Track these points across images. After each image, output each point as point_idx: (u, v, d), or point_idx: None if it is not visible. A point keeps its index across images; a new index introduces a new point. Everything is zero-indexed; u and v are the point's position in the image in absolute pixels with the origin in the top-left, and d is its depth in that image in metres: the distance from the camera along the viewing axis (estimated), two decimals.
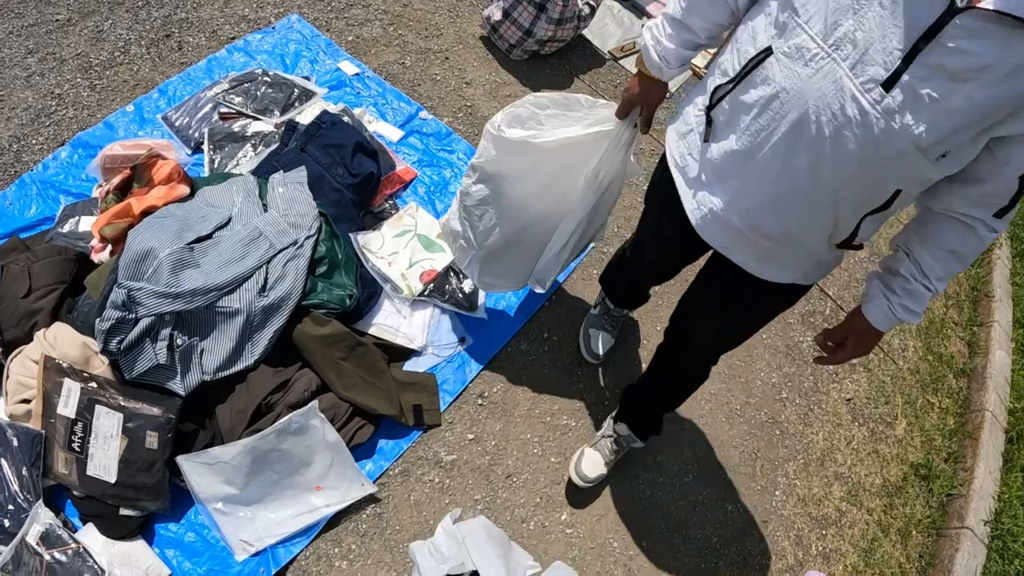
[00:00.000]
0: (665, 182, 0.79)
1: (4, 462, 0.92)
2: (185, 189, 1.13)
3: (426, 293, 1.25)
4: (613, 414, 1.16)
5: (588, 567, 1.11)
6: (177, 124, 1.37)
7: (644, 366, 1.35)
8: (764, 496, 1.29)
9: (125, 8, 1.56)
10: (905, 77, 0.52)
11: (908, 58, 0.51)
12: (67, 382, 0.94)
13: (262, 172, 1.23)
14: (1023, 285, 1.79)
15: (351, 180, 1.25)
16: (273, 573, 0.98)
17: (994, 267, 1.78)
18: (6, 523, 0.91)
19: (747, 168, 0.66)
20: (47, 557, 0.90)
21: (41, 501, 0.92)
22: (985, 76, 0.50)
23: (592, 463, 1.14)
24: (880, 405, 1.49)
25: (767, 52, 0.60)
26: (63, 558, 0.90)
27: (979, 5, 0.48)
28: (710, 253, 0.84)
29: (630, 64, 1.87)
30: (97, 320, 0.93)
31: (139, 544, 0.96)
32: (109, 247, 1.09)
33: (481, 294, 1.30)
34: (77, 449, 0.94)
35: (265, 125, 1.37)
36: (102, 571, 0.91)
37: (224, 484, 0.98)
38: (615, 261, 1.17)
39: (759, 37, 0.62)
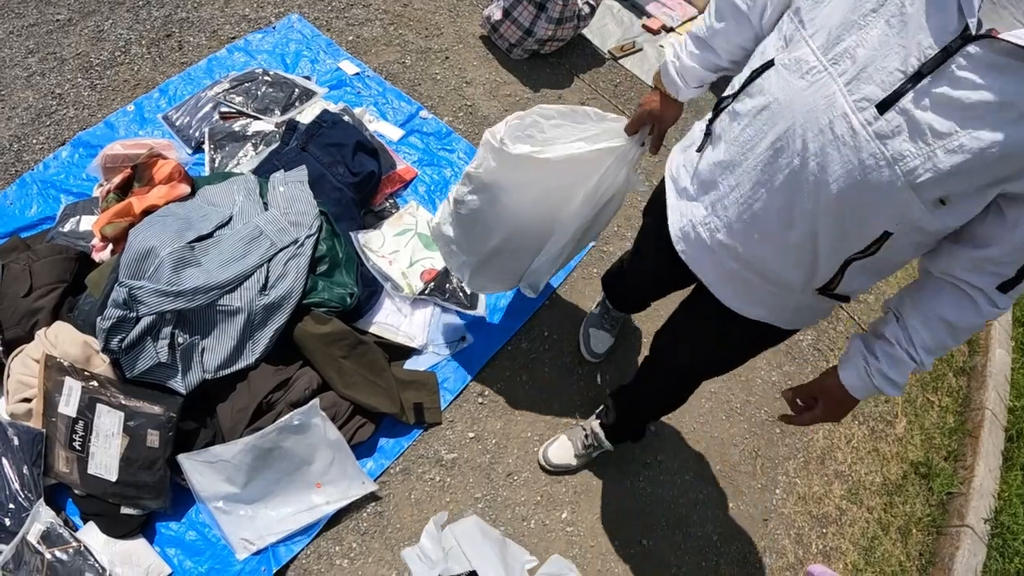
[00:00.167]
0: (661, 194, 0.77)
1: (5, 461, 0.92)
2: (186, 188, 1.13)
3: (427, 292, 1.25)
4: (598, 410, 1.16)
5: (589, 565, 1.11)
6: (178, 124, 1.38)
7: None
8: (764, 494, 1.29)
9: (126, 8, 1.57)
10: (904, 102, 0.48)
11: (911, 81, 0.47)
12: (68, 381, 0.95)
13: (263, 171, 1.23)
14: None
15: (352, 179, 1.25)
16: (274, 572, 0.98)
17: None
18: (7, 522, 0.91)
19: (728, 179, 0.62)
20: (48, 556, 0.90)
21: (42, 500, 0.92)
22: (998, 115, 0.45)
23: (561, 450, 1.14)
24: (880, 403, 1.49)
25: (769, 64, 0.57)
26: (64, 557, 0.90)
27: (1001, 36, 0.43)
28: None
29: (630, 64, 1.88)
30: (98, 319, 0.94)
31: (140, 543, 0.96)
32: (110, 246, 1.09)
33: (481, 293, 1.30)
34: (78, 448, 0.94)
35: (266, 124, 1.37)
36: (103, 570, 0.91)
37: (225, 482, 0.98)
38: (615, 268, 1.15)
39: (767, 52, 0.60)
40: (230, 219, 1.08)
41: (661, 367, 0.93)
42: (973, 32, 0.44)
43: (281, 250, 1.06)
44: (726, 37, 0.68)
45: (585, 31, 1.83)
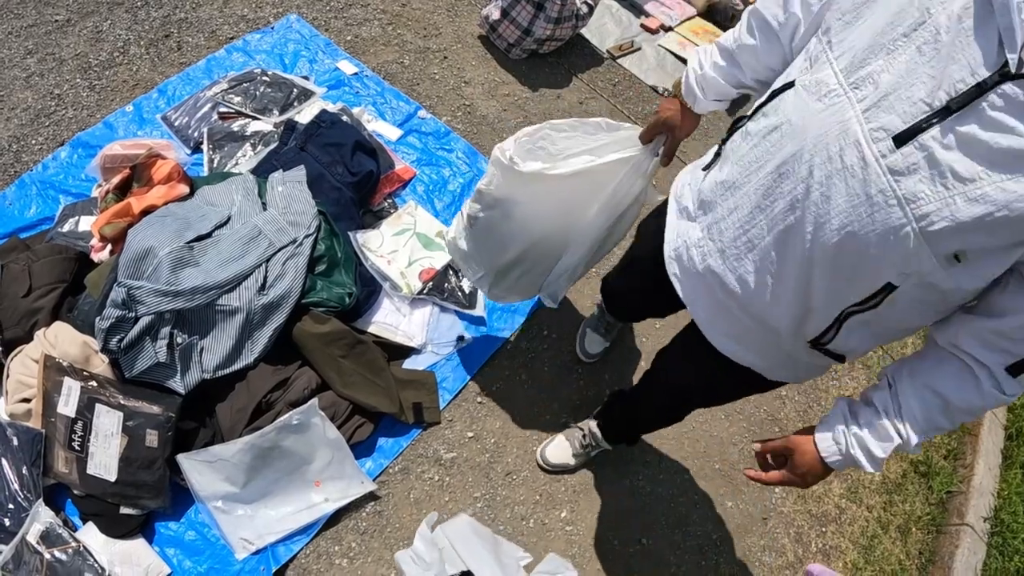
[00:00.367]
0: (660, 213, 0.74)
1: (4, 461, 0.93)
2: (185, 188, 1.13)
3: (425, 291, 1.25)
4: (596, 410, 1.15)
5: (588, 564, 1.11)
6: (176, 124, 1.38)
7: (643, 365, 1.35)
8: (764, 493, 1.29)
9: (124, 8, 1.57)
10: (924, 137, 0.42)
11: (937, 116, 0.42)
12: (67, 381, 0.95)
13: (261, 171, 1.23)
14: None
15: (350, 178, 1.25)
16: (273, 571, 0.98)
17: None
18: (6, 522, 0.91)
19: (728, 200, 0.58)
20: (47, 556, 0.90)
21: (41, 500, 0.92)
22: None
23: (559, 449, 1.14)
24: None
25: (790, 84, 0.53)
26: (63, 557, 0.90)
27: None
28: None
29: (628, 63, 1.88)
30: (97, 319, 0.94)
31: (139, 543, 0.96)
32: (109, 246, 1.09)
33: (480, 292, 1.30)
34: (77, 448, 0.94)
35: (264, 124, 1.37)
36: (102, 570, 0.91)
37: (224, 482, 0.98)
38: (612, 275, 1.11)
39: (791, 73, 0.55)
40: (229, 219, 1.08)
41: (661, 389, 0.89)
42: (1013, 70, 0.39)
43: (279, 250, 1.06)
44: (753, 54, 0.64)
45: (584, 31, 1.83)
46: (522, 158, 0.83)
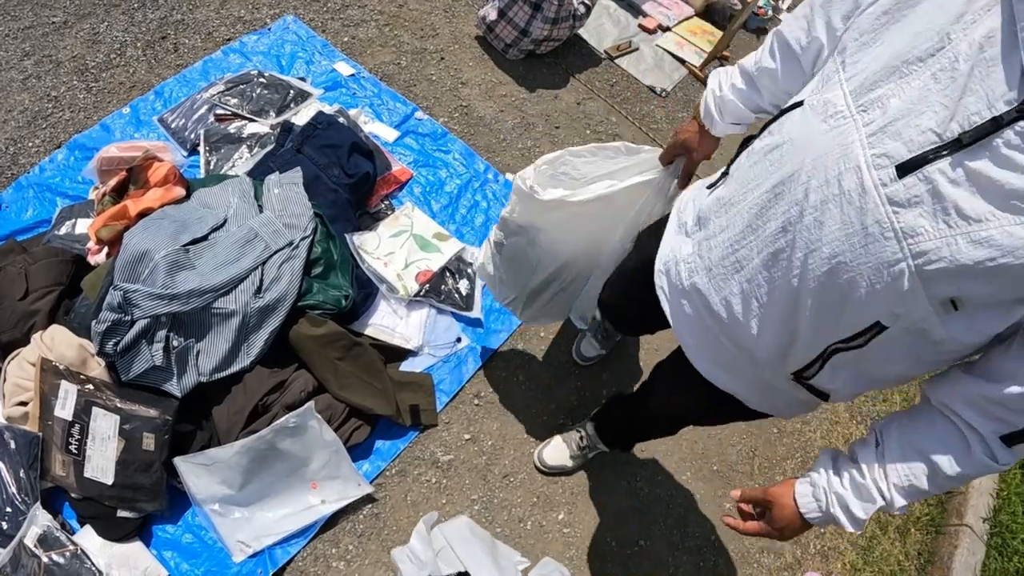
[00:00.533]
0: (659, 229, 0.72)
1: (2, 464, 0.92)
2: (181, 191, 1.13)
3: (422, 293, 1.25)
4: (594, 411, 1.15)
5: (586, 566, 1.11)
6: (173, 126, 1.38)
7: (641, 365, 1.35)
8: None
9: (121, 10, 1.56)
10: (930, 169, 0.39)
11: (947, 148, 0.39)
12: (64, 384, 0.95)
13: (258, 173, 1.23)
14: None
15: (347, 180, 1.25)
16: (271, 574, 0.98)
17: None
18: (4, 525, 0.91)
19: (721, 217, 0.57)
20: (45, 559, 0.90)
21: (39, 503, 0.92)
22: None
23: (556, 451, 1.13)
24: (878, 403, 1.49)
25: (799, 103, 0.51)
26: (61, 560, 0.90)
27: None
28: None
29: (626, 63, 1.87)
30: (93, 322, 0.93)
31: (137, 546, 0.96)
32: (105, 249, 1.09)
33: (477, 294, 1.30)
34: (74, 451, 0.94)
35: (261, 126, 1.37)
36: (100, 573, 0.91)
37: (221, 485, 0.98)
38: (609, 282, 1.09)
39: (804, 93, 0.53)
40: (225, 222, 1.08)
41: (654, 409, 0.88)
42: None
43: (276, 252, 1.06)
44: (773, 78, 0.61)
45: (581, 31, 1.82)
46: (543, 186, 0.82)
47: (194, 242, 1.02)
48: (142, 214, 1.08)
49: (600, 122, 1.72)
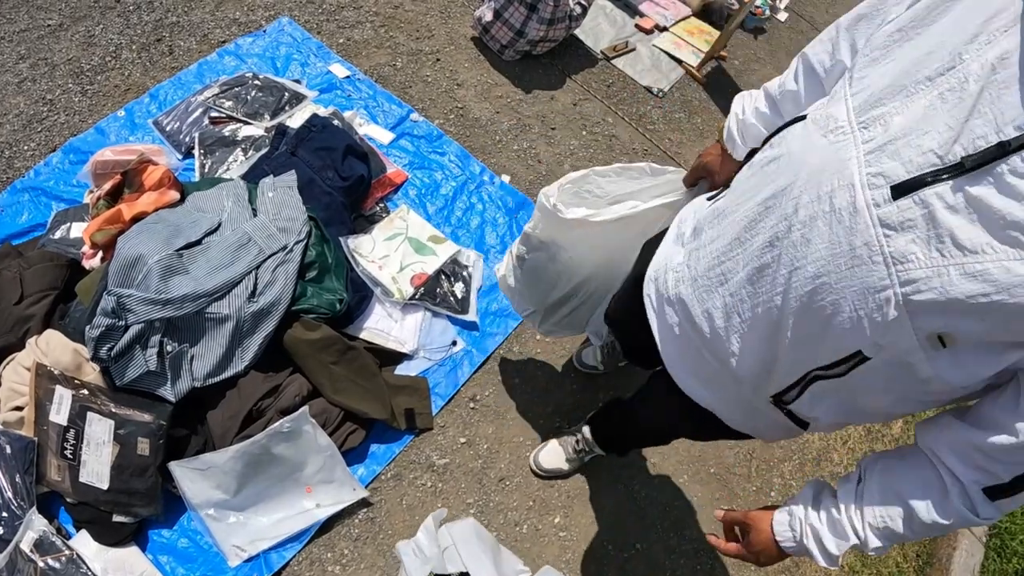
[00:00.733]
0: (655, 242, 0.71)
1: None
2: (175, 195, 1.13)
3: (417, 296, 1.24)
4: (590, 415, 1.14)
5: (582, 570, 1.11)
6: (168, 129, 1.37)
7: (639, 370, 1.34)
8: (760, 496, 1.28)
9: (116, 13, 1.56)
10: (927, 192, 0.37)
11: (947, 172, 0.37)
12: (59, 389, 0.95)
13: (252, 176, 1.23)
14: None
15: (341, 183, 1.25)
16: None
17: None
18: (0, 531, 0.91)
19: (714, 227, 0.56)
20: (41, 564, 0.90)
21: (35, 508, 0.92)
22: None
23: (552, 455, 1.13)
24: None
25: (803, 116, 0.49)
26: (57, 565, 0.91)
27: None
28: None
29: (623, 64, 1.86)
30: (87, 327, 0.93)
31: (132, 550, 0.96)
32: (100, 253, 1.09)
33: (473, 297, 1.30)
34: (70, 456, 0.94)
35: (255, 129, 1.37)
36: None
37: (216, 490, 0.98)
38: (613, 296, 1.07)
39: (810, 107, 0.51)
40: (219, 226, 1.08)
41: (645, 419, 0.88)
42: None
43: (270, 256, 1.06)
44: (795, 101, 0.59)
45: (578, 31, 1.82)
46: (566, 204, 0.83)
47: (188, 246, 1.02)
48: (136, 218, 1.08)
49: (596, 123, 1.72)
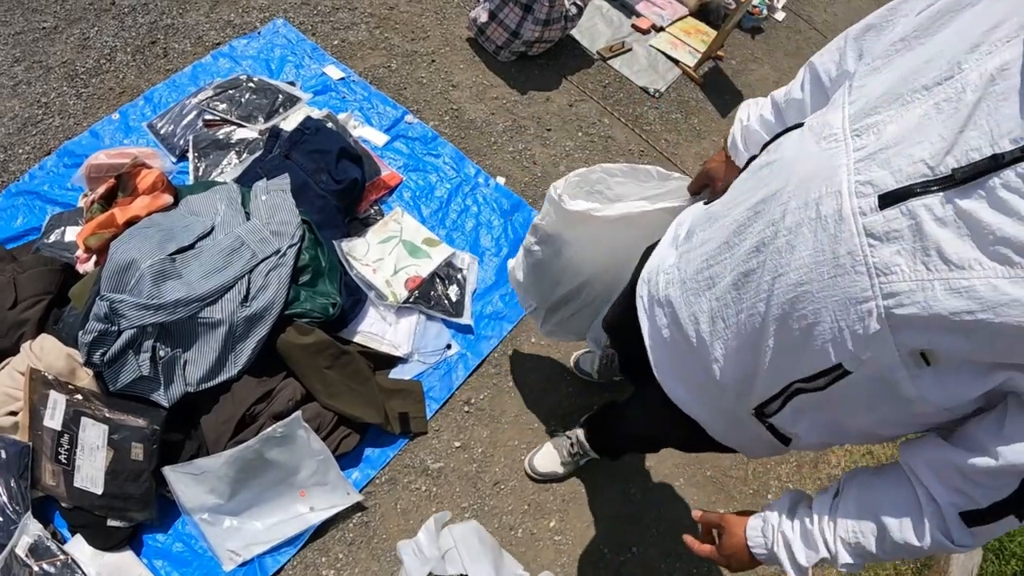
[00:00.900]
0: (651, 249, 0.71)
1: None
2: (169, 198, 1.12)
3: (411, 300, 1.24)
4: (584, 417, 1.14)
5: (578, 574, 1.11)
6: (162, 132, 1.37)
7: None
8: (757, 499, 1.28)
9: (111, 15, 1.56)
10: (915, 203, 0.36)
11: (937, 184, 0.36)
12: (53, 394, 0.95)
13: (246, 180, 1.23)
14: None
15: (335, 186, 1.24)
16: None
17: None
18: None
19: (705, 231, 0.56)
20: (36, 568, 0.90)
21: (30, 513, 0.93)
22: None
23: (547, 458, 1.13)
24: None
25: (800, 124, 0.49)
26: (52, 569, 0.91)
27: None
28: None
29: (619, 64, 1.86)
30: (80, 333, 0.93)
31: (127, 555, 0.97)
32: (94, 258, 1.09)
33: (467, 300, 1.30)
34: (64, 461, 0.94)
35: (249, 132, 1.37)
36: None
37: (210, 494, 0.98)
38: (616, 298, 1.06)
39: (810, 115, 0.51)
40: (212, 229, 1.07)
41: (636, 426, 0.88)
42: None
43: (262, 260, 1.05)
44: (800, 110, 0.59)
45: (574, 32, 1.81)
46: (571, 196, 0.83)
47: (181, 250, 1.02)
48: (130, 222, 1.07)
49: (592, 124, 1.71)
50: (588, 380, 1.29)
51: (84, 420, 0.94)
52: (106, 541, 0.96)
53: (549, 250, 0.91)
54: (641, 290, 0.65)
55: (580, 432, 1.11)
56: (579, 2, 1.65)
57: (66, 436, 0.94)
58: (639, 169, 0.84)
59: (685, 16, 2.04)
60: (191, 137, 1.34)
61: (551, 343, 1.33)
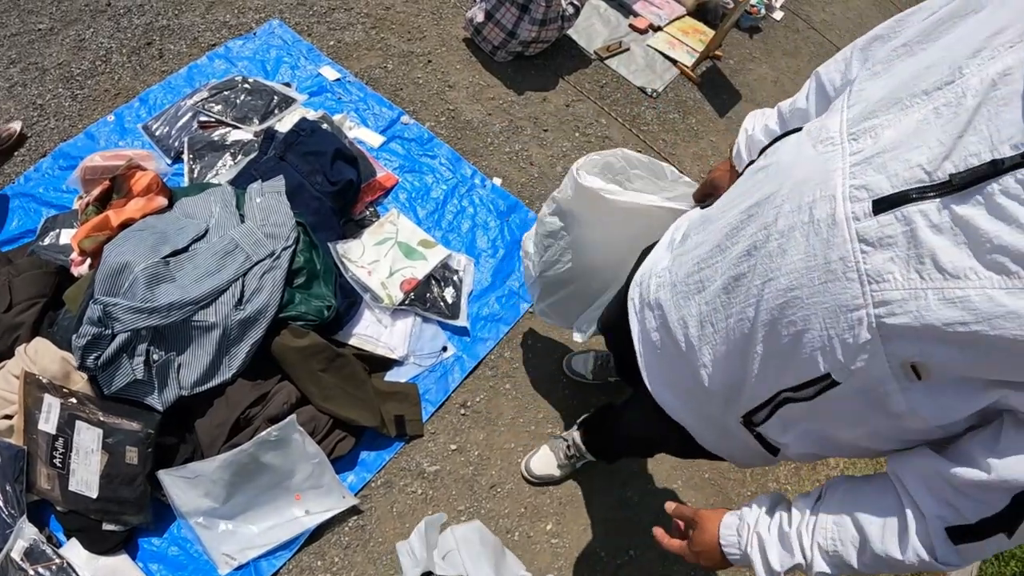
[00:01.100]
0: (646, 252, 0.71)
1: None
2: (163, 201, 1.12)
3: (407, 302, 1.24)
4: (580, 419, 1.14)
5: None
6: (157, 133, 1.37)
7: None
8: None
9: (107, 16, 1.55)
10: (911, 209, 0.35)
11: (934, 190, 0.35)
12: (47, 398, 0.94)
13: (241, 182, 1.22)
14: None
15: (330, 188, 1.24)
16: None
17: None
18: None
19: (699, 233, 0.55)
20: (32, 573, 0.90)
21: (25, 516, 0.92)
22: None
23: (543, 461, 1.13)
24: None
25: (797, 129, 0.49)
26: (47, 573, 0.91)
27: None
28: None
29: (616, 64, 1.85)
30: (73, 336, 0.93)
31: (123, 558, 0.97)
32: (88, 260, 1.08)
33: (463, 302, 1.29)
34: (59, 465, 0.94)
35: (244, 133, 1.36)
36: None
37: (205, 498, 0.98)
38: (613, 300, 1.07)
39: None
40: (206, 232, 1.07)
41: (631, 429, 0.88)
42: None
43: (257, 263, 1.05)
44: (804, 119, 0.58)
45: (571, 31, 1.80)
46: (588, 171, 0.84)
47: (175, 253, 1.02)
48: (124, 224, 1.07)
49: (589, 124, 1.70)
50: (583, 382, 1.29)
51: (79, 424, 0.94)
52: (101, 545, 0.95)
53: (562, 223, 0.92)
54: (633, 292, 0.65)
55: (577, 434, 1.11)
56: (576, 2, 1.65)
57: (61, 440, 0.94)
58: (656, 164, 0.85)
59: (683, 16, 2.03)
60: (186, 139, 1.34)
61: (549, 346, 1.32)
